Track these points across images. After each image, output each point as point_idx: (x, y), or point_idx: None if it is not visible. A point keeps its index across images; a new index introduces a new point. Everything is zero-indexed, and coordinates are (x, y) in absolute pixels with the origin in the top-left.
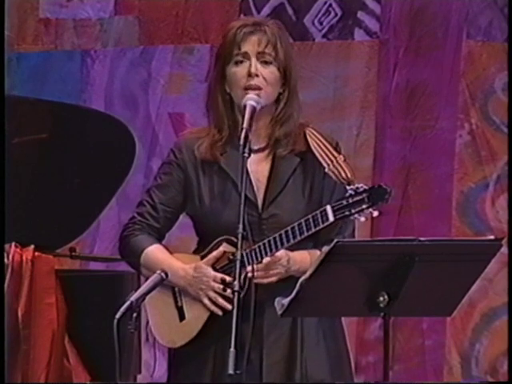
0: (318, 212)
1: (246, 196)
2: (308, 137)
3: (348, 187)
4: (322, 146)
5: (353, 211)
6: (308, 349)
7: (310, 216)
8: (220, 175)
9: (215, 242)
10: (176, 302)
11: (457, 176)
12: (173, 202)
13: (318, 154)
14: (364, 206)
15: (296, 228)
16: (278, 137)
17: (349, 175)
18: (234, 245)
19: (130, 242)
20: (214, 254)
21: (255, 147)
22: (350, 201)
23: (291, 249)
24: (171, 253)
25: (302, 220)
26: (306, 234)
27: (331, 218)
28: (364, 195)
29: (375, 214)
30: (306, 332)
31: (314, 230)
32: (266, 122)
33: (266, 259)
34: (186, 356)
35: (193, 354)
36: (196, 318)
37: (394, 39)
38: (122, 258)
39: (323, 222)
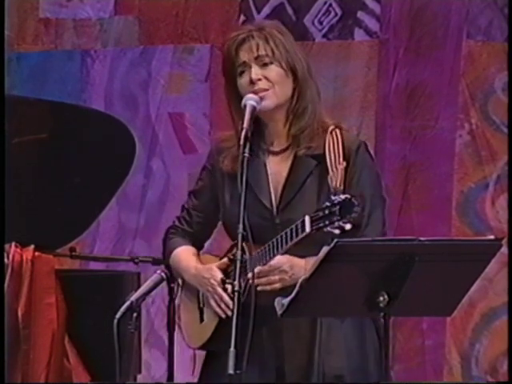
0: (298, 222)
1: (260, 201)
2: (329, 137)
3: (332, 197)
4: (335, 151)
5: (327, 223)
6: (326, 352)
7: (293, 225)
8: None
9: (231, 246)
10: (199, 303)
11: (457, 176)
12: (204, 208)
13: (328, 159)
14: (335, 219)
15: (283, 237)
16: (295, 133)
17: (337, 184)
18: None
19: (166, 245)
20: (225, 259)
21: (277, 149)
22: (326, 212)
23: (299, 255)
24: (199, 255)
25: (288, 229)
26: (289, 243)
27: (308, 229)
28: (336, 208)
29: (347, 227)
30: (325, 335)
31: (295, 239)
32: (284, 121)
33: (258, 268)
34: (211, 357)
35: (216, 355)
36: (211, 319)
37: (393, 39)
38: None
39: (302, 232)
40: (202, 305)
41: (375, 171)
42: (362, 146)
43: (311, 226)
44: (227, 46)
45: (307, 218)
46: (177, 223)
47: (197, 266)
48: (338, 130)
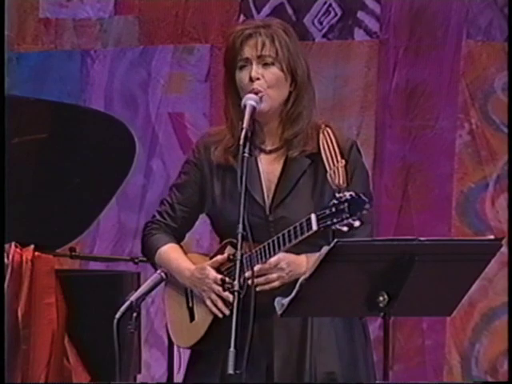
0: (304, 220)
1: (253, 197)
2: (321, 136)
3: (337, 195)
4: (331, 149)
5: (335, 221)
6: (318, 350)
7: (297, 224)
8: (232, 176)
9: (221, 244)
10: (188, 302)
11: (457, 176)
12: (190, 202)
13: (324, 157)
14: (344, 216)
15: (286, 235)
16: (288, 137)
17: (341, 182)
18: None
19: (148, 241)
20: (219, 258)
21: (268, 148)
22: (333, 210)
23: (297, 253)
24: (186, 252)
25: (291, 227)
26: (293, 241)
27: (314, 227)
28: (345, 205)
29: (356, 223)
30: (317, 333)
31: (300, 237)
32: (277, 123)
33: (257, 267)
34: (198, 356)
35: (204, 354)
36: (203, 319)
37: (393, 39)
38: (144, 257)
39: (308, 231)
40: (190, 304)
41: (366, 170)
42: (355, 145)
43: (318, 224)
44: (232, 38)
45: (313, 216)
46: (159, 218)
47: (189, 267)
48: (329, 129)
